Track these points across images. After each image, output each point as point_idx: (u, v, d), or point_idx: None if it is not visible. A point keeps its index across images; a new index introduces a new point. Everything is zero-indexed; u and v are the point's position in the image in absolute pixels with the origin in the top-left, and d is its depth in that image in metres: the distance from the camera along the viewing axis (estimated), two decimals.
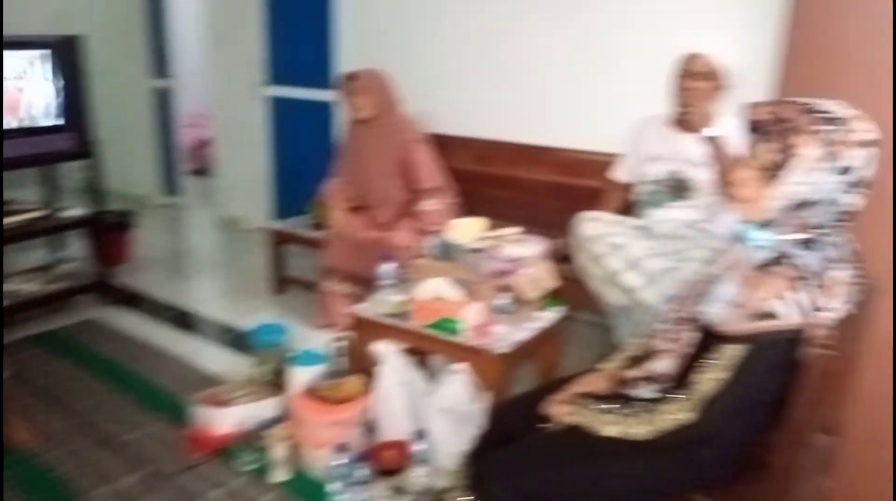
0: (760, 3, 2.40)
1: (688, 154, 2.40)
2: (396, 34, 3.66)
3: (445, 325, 2.15)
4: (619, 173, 2.69)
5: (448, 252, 2.32)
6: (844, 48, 1.49)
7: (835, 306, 1.20)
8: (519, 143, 3.33)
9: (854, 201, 1.23)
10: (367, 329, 2.29)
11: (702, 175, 2.37)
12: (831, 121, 1.20)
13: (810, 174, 1.20)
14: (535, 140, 3.28)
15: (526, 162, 3.31)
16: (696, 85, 2.33)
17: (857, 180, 1.21)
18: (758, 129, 1.25)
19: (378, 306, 2.30)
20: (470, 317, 2.12)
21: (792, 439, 1.24)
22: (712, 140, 2.25)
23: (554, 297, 2.33)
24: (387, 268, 2.33)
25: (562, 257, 2.77)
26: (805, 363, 1.21)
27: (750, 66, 2.18)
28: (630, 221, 2.52)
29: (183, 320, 3.30)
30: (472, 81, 3.47)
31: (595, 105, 3.12)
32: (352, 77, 2.92)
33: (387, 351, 2.15)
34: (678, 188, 2.47)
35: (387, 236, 2.83)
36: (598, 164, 2.88)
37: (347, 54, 3.79)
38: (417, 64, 3.53)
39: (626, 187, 2.65)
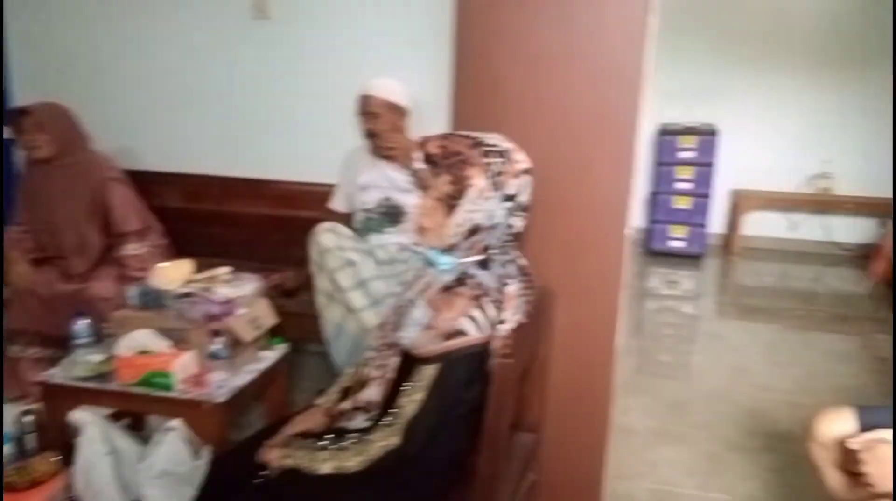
0: (436, 43, 2.59)
1: (396, 181, 2.51)
2: (81, 66, 3.32)
3: (155, 380, 1.97)
4: (336, 203, 2.72)
5: (153, 300, 2.14)
6: (503, 86, 1.67)
7: (510, 318, 1.33)
8: (232, 177, 3.22)
9: (518, 223, 1.38)
10: (63, 397, 2.02)
11: (412, 201, 2.49)
12: (496, 153, 1.34)
13: (482, 202, 1.33)
14: (250, 173, 3.20)
15: (241, 196, 3.21)
16: (372, 123, 2.45)
17: (519, 205, 1.36)
18: (432, 162, 1.34)
19: (73, 368, 2.04)
20: (182, 368, 1.98)
21: (489, 443, 1.33)
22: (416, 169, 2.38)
23: (275, 334, 2.28)
24: (81, 324, 2.08)
25: (285, 292, 2.73)
26: (491, 372, 1.31)
27: (432, 101, 2.32)
28: (361, 242, 2.56)
29: None
30: (175, 115, 3.27)
31: (308, 136, 3.13)
32: (23, 113, 2.58)
33: (86, 420, 1.92)
34: (392, 215, 2.57)
35: (83, 288, 2.53)
36: (316, 194, 2.88)
37: (24, 88, 3.34)
38: (110, 97, 3.25)
39: (347, 216, 2.69)
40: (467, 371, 1.32)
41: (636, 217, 5.16)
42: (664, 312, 4.23)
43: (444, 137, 1.36)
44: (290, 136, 3.16)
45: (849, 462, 1.49)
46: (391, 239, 2.54)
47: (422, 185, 1.38)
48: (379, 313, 2.30)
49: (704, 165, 4.79)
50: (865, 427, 1.53)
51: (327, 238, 2.38)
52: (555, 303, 1.72)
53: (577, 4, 1.60)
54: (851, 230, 5.08)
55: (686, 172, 4.82)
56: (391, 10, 2.94)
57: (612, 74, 1.62)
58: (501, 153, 1.34)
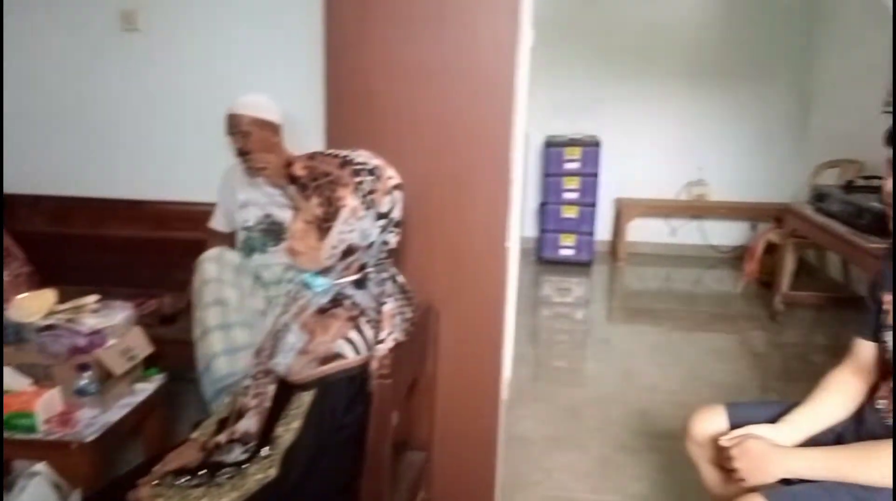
0: (309, 57, 2.53)
1: (275, 198, 2.43)
2: None
3: (16, 422, 1.81)
4: (216, 223, 2.61)
5: (12, 334, 1.97)
6: (377, 101, 1.65)
7: (388, 337, 1.30)
8: (105, 198, 3.03)
9: (393, 239, 1.36)
10: None
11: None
12: (366, 171, 1.30)
13: (355, 222, 1.29)
14: (124, 194, 3.03)
15: (115, 218, 3.03)
16: (242, 142, 2.37)
17: (393, 222, 1.34)
18: (299, 184, 1.29)
19: None
20: (46, 407, 1.82)
21: (372, 466, 1.30)
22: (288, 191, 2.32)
23: (151, 364, 2.14)
24: None
25: (164, 318, 2.58)
26: (371, 393, 1.28)
27: (307, 116, 2.26)
28: (245, 273, 2.45)
29: None
30: (39, 133, 3.06)
31: (184, 153, 3.01)
32: None
33: None
34: (273, 232, 2.48)
35: None
36: (195, 214, 2.75)
37: None
38: None
39: (230, 236, 2.58)
40: (346, 395, 1.29)
41: (528, 228, 5.31)
42: (557, 319, 4.34)
43: (311, 157, 1.32)
44: (165, 153, 3.02)
45: (721, 458, 1.55)
46: (275, 259, 2.46)
47: (292, 207, 1.33)
48: (231, 361, 2.21)
49: (589, 176, 4.97)
50: (735, 424, 1.60)
51: (208, 269, 2.29)
52: (438, 319, 1.71)
53: (449, 19, 1.60)
54: (726, 234, 5.40)
55: (572, 183, 4.99)
56: (263, 23, 2.88)
57: (486, 89, 1.63)
58: (371, 171, 1.31)
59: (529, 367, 3.46)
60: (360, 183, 1.29)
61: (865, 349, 1.54)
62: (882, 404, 1.45)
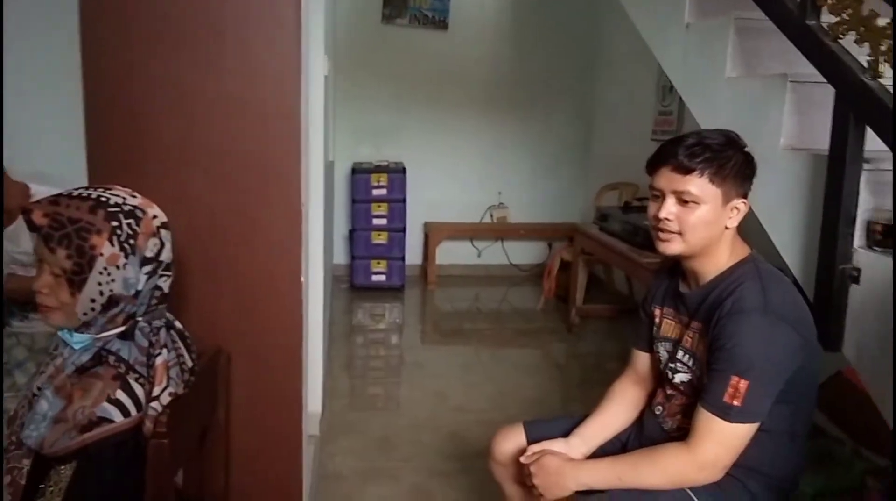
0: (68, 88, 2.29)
1: (15, 256, 2.14)
2: None
3: None
4: None
5: None
6: (148, 134, 1.52)
7: (163, 392, 1.18)
8: None
9: (165, 284, 1.24)
10: None
11: None
12: (124, 214, 1.17)
13: (115, 271, 1.15)
14: None
15: None
16: None
17: (161, 265, 1.22)
18: (42, 234, 1.12)
19: None
20: None
21: None
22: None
23: None
24: None
25: None
26: (146, 455, 1.15)
27: (67, 154, 2.00)
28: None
29: None
30: None
31: None
32: None
33: None
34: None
35: None
36: None
37: None
38: None
39: None
40: (114, 464, 1.13)
41: (338, 255, 5.24)
42: (372, 345, 4.31)
43: (54, 202, 1.14)
44: None
45: (522, 475, 1.59)
46: (38, 326, 2.15)
47: (36, 259, 1.15)
48: None
49: (397, 201, 5.02)
50: (534, 441, 1.66)
51: None
52: (230, 362, 1.60)
53: (230, 46, 1.52)
54: (526, 253, 5.72)
55: (381, 209, 5.01)
56: (16, 50, 2.57)
57: (272, 118, 1.56)
58: (129, 212, 1.17)
59: (345, 398, 3.38)
60: (117, 227, 1.15)
61: (642, 359, 1.67)
62: (659, 409, 1.57)
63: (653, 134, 4.44)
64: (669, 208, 1.40)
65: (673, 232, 1.40)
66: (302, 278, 1.64)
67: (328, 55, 2.91)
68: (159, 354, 1.20)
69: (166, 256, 1.22)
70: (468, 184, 5.57)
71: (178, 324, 1.30)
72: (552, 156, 5.63)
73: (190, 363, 1.29)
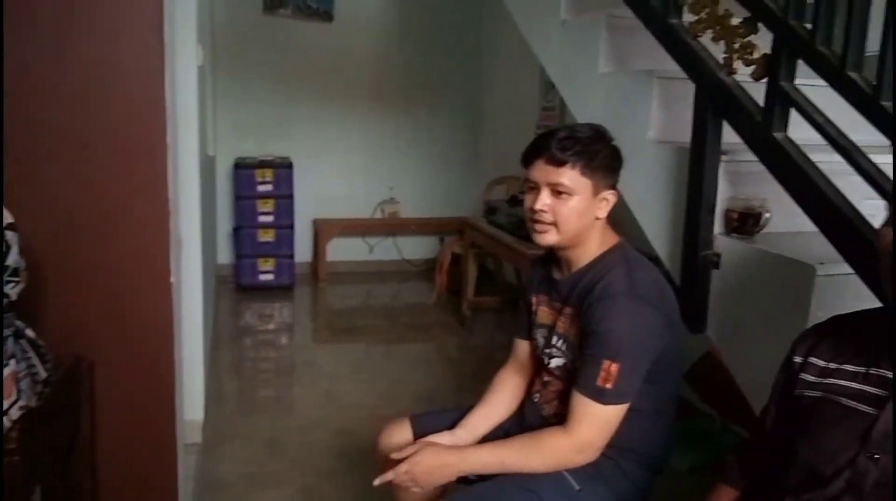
0: None
1: None
2: None
3: None
4: None
5: None
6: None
7: (13, 406, 1.08)
8: None
9: (13, 291, 1.14)
10: None
11: None
12: None
13: None
14: None
15: None
16: None
17: (7, 270, 1.12)
18: None
19: None
20: None
21: None
22: None
23: None
24: None
25: None
26: None
27: None
28: None
29: None
30: None
31: None
32: None
33: None
34: None
35: None
36: None
37: None
38: None
39: None
40: None
41: (222, 254, 5.05)
42: (262, 347, 4.18)
43: None
44: None
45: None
46: None
47: None
48: None
49: (284, 197, 4.89)
50: (419, 434, 1.66)
51: None
52: (93, 371, 1.50)
53: (78, 33, 1.41)
54: (418, 248, 5.73)
55: (267, 205, 4.86)
56: None
57: (133, 110, 1.47)
58: None
59: (231, 402, 3.26)
60: None
61: (523, 348, 1.70)
62: (537, 396, 1.60)
63: (537, 129, 4.55)
64: (544, 199, 1.43)
65: (548, 223, 1.44)
66: (172, 280, 1.55)
67: (202, 45, 2.78)
68: (7, 365, 1.10)
69: (13, 260, 1.12)
70: (358, 179, 5.51)
71: (29, 333, 1.20)
72: (442, 150, 5.66)
73: (44, 374, 1.20)
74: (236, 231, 4.91)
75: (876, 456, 0.92)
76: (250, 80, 5.08)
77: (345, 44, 5.27)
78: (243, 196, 4.82)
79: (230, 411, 3.13)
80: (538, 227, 1.46)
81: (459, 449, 1.54)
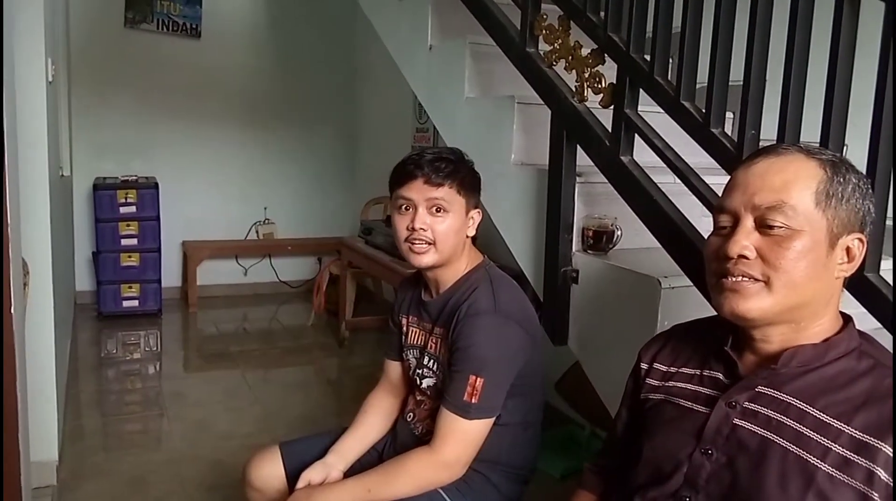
0: None
1: None
2: None
3: None
4: None
5: None
6: None
7: None
8: None
9: None
10: None
11: None
12: None
13: None
14: None
15: None
16: None
17: None
18: None
19: None
20: None
21: None
22: None
23: None
24: None
25: None
26: None
27: None
28: None
29: None
30: None
31: None
32: None
33: None
34: None
35: None
36: None
37: None
38: None
39: None
40: None
41: (81, 281, 4.74)
42: (126, 378, 3.93)
43: None
44: None
45: None
46: None
47: None
48: None
49: (149, 219, 4.65)
50: (290, 463, 1.62)
51: None
52: None
53: None
54: (295, 269, 5.62)
55: (130, 228, 4.61)
56: None
57: None
58: None
59: (93, 438, 3.04)
60: None
61: (394, 368, 1.72)
62: (410, 416, 1.62)
63: (412, 150, 4.59)
64: (423, 218, 1.44)
65: (427, 242, 1.44)
66: (12, 311, 1.44)
67: (54, 59, 2.62)
68: None
69: None
70: (230, 199, 5.34)
71: None
72: (319, 170, 5.61)
73: None
74: (96, 256, 4.61)
75: (709, 452, 1.00)
76: (112, 97, 4.82)
77: (215, 61, 5.13)
78: (103, 219, 4.54)
79: (90, 448, 2.92)
80: (416, 247, 1.45)
81: (327, 486, 1.50)
